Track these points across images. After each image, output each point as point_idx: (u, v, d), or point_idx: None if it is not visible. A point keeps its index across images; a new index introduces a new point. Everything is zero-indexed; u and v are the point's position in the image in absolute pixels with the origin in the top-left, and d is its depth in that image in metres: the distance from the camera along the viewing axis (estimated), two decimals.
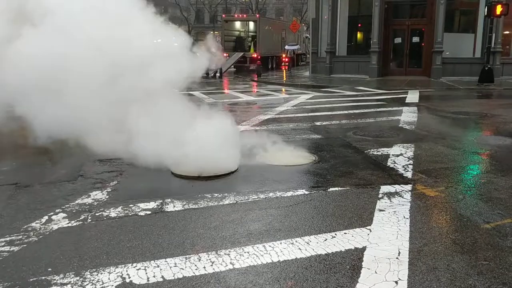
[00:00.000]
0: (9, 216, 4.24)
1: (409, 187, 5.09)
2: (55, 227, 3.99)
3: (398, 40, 22.75)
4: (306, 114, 10.98)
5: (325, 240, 3.72)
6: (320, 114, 10.94)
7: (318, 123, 9.49)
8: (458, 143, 7.50)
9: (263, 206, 4.52)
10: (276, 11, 69.90)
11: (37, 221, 4.09)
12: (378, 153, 6.71)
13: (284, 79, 22.60)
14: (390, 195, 4.82)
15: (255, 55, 30.39)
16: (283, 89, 18.55)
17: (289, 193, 4.88)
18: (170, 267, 3.27)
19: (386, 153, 6.66)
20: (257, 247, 3.58)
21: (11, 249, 3.54)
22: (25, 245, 3.62)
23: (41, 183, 5.21)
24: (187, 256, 3.45)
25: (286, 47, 29.88)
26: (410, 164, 6.05)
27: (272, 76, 26.28)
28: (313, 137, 8.04)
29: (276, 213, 4.33)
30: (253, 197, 4.76)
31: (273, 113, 11.09)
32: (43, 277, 3.13)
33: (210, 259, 3.39)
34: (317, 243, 3.66)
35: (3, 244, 3.62)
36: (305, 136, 8.11)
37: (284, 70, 24.24)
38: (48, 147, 6.35)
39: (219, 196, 4.80)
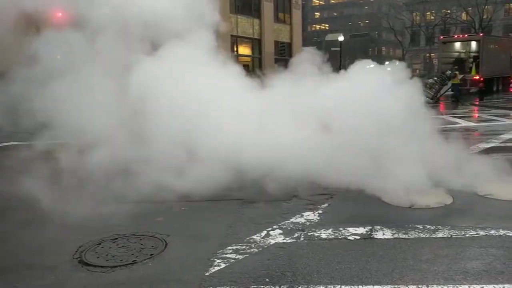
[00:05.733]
0: (236, 227, 4.83)
1: None
2: (272, 241, 4.38)
3: None
4: None
5: None
6: None
7: None
8: None
9: (483, 244, 4.12)
10: (505, 28, 62.85)
11: (257, 234, 4.56)
12: None
13: None
14: None
15: (477, 77, 27.80)
16: None
17: None
18: None
19: None
20: None
21: (237, 257, 4.04)
22: (247, 255, 4.07)
23: (262, 200, 5.78)
24: (395, 286, 3.39)
25: None
26: None
27: (497, 100, 23.64)
28: None
29: (498, 253, 3.91)
30: (471, 233, 4.38)
31: (497, 141, 9.98)
32: (262, 286, 3.48)
33: None
34: None
35: (230, 251, 4.15)
36: None
37: None
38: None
39: (432, 228, 4.56)
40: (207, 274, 3.72)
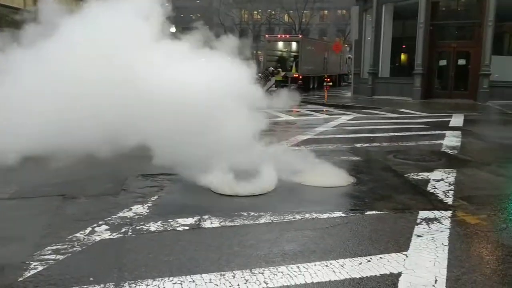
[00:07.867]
0: (56, 225, 4.45)
1: (449, 213, 4.98)
2: (98, 238, 4.16)
3: (443, 62, 22.30)
4: (346, 136, 10.93)
5: (360, 263, 3.70)
6: (361, 136, 10.87)
7: (358, 145, 9.44)
8: (504, 169, 7.27)
9: (298, 226, 4.54)
10: (320, 32, 70.09)
11: (81, 232, 4.28)
12: (418, 177, 6.60)
13: (325, 99, 22.58)
14: (428, 220, 4.73)
15: (297, 75, 30.56)
16: (324, 110, 18.54)
17: (326, 215, 4.88)
18: (205, 282, 3.35)
19: (426, 178, 6.54)
20: (291, 268, 3.61)
21: (57, 257, 3.72)
22: (69, 254, 3.79)
23: (86, 195, 5.44)
24: (222, 273, 3.51)
25: None
26: (451, 190, 5.92)
27: (313, 96, 26.30)
28: (353, 159, 7.99)
29: (311, 234, 4.35)
30: (289, 217, 4.79)
31: (312, 134, 11.11)
32: (85, 286, 3.27)
33: (244, 277, 3.44)
34: (352, 266, 3.65)
35: (49, 252, 3.81)
36: (344, 157, 8.08)
37: (326, 91, 24.22)
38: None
39: (255, 215, 4.86)
40: (20, 279, 3.35)
